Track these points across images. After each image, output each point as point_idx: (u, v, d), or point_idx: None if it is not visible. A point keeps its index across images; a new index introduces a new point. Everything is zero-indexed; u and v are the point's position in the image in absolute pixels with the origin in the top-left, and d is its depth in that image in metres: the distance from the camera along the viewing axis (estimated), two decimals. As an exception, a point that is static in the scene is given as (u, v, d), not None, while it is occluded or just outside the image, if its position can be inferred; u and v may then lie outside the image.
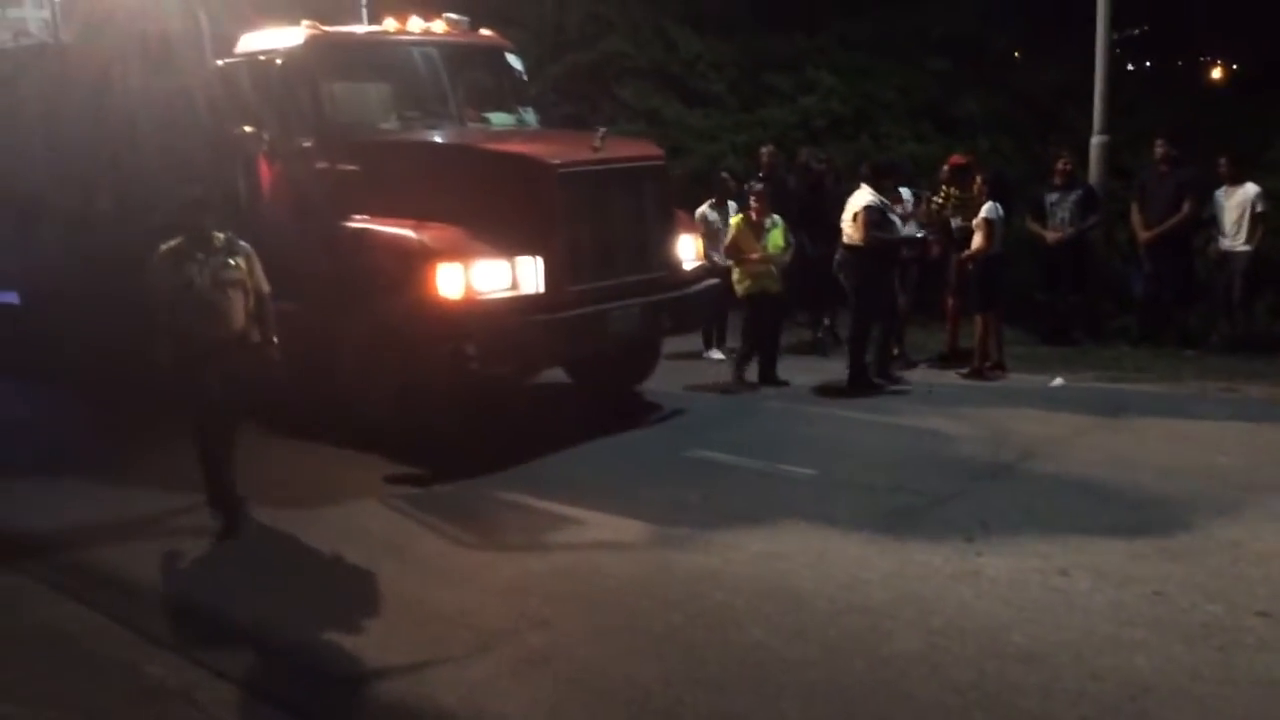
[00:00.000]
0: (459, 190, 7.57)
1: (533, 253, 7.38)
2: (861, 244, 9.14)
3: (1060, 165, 11.17)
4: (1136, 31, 20.51)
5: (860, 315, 9.35)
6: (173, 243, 6.70)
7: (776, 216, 9.66)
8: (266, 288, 6.84)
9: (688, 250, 8.47)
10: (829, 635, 4.89)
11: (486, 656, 4.82)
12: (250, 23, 9.15)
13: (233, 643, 5.15)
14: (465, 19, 9.09)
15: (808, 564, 5.65)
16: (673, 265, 8.24)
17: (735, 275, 9.45)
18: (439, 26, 8.83)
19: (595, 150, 7.61)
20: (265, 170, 8.54)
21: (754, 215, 9.50)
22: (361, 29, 8.66)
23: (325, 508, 6.84)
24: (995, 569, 5.50)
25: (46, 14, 11.91)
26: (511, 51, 9.22)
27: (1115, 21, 11.67)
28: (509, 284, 7.38)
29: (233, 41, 8.73)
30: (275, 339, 6.86)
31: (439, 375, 7.60)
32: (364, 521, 6.62)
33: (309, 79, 8.18)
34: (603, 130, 7.69)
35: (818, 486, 6.88)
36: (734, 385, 9.46)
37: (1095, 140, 11.48)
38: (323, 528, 6.51)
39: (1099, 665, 4.52)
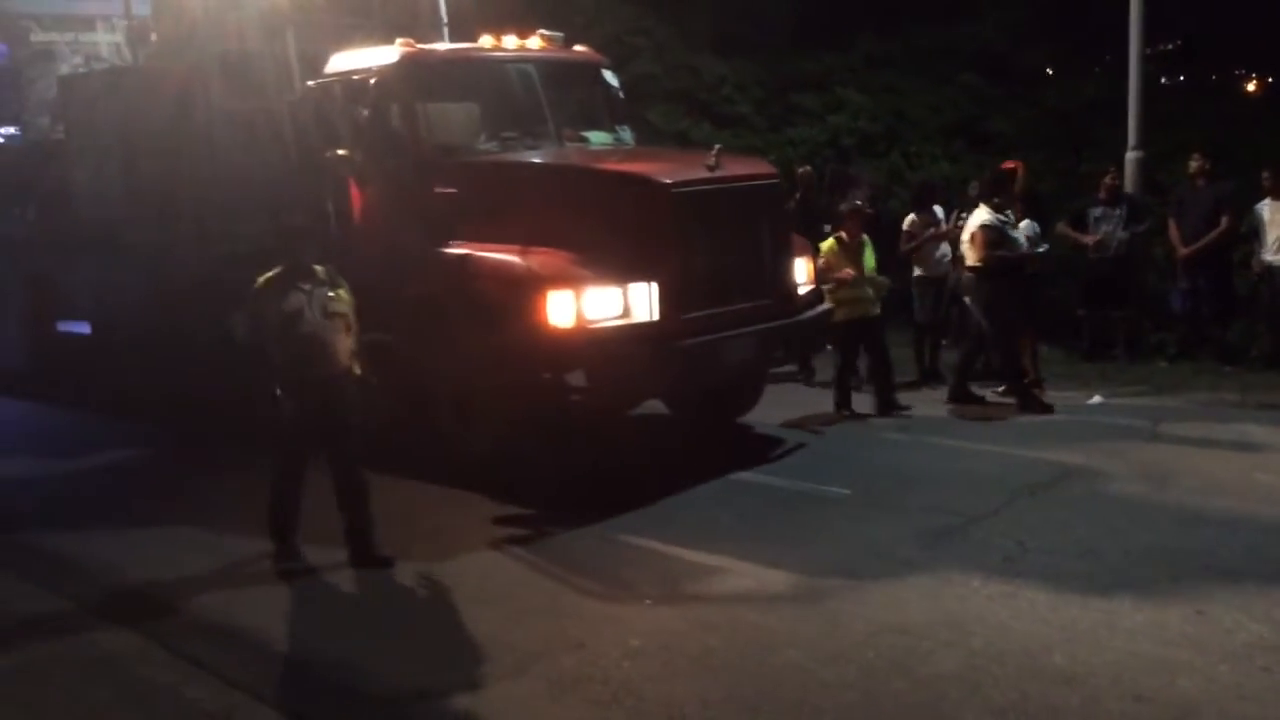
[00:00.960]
0: (566, 213, 7.16)
1: (646, 278, 6.93)
2: (982, 265, 8.64)
3: (1108, 180, 10.97)
4: (1170, 46, 20.48)
5: (996, 337, 8.90)
6: (273, 272, 6.33)
7: (866, 237, 9.20)
8: (357, 324, 6.46)
9: (801, 273, 7.99)
10: (867, 657, 4.77)
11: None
12: (341, 42, 8.89)
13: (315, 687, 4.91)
14: (560, 34, 8.70)
15: (846, 586, 5.54)
16: (787, 290, 7.77)
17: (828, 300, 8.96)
18: (535, 43, 8.45)
19: (710, 169, 7.16)
20: (355, 194, 8.19)
21: (847, 236, 9.02)
22: (457, 46, 8.28)
23: (424, 549, 6.40)
24: (1034, 589, 5.38)
25: (118, 38, 11.72)
26: (608, 68, 8.81)
27: (1148, 36, 11.60)
28: (620, 311, 6.94)
29: (321, 62, 8.42)
30: (373, 377, 6.49)
31: (545, 409, 7.20)
32: (466, 565, 6.19)
33: (404, 98, 7.82)
34: (717, 147, 7.24)
35: (858, 507, 6.73)
36: (837, 416, 8.97)
37: (1130, 155, 11.33)
38: (422, 571, 6.10)
39: (1142, 686, 4.41)
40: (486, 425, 7.32)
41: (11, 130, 13.47)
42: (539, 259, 6.96)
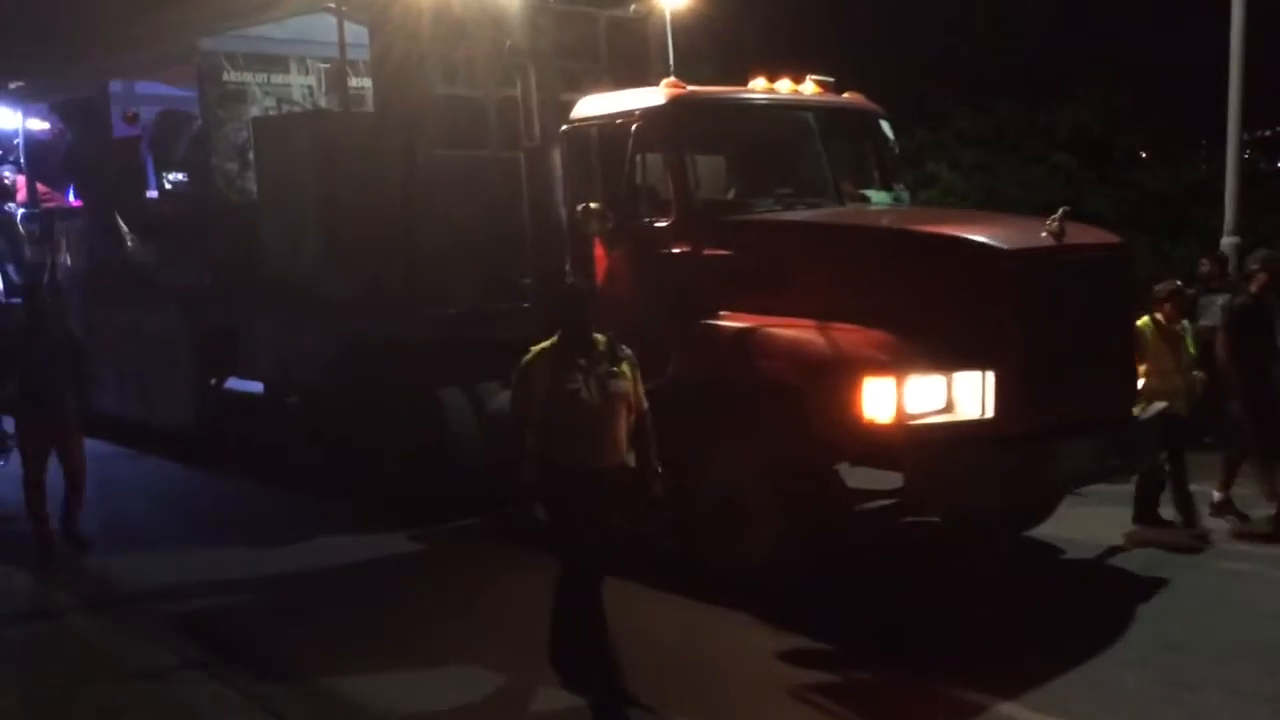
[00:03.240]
0: (876, 284, 6.02)
1: (978, 365, 5.71)
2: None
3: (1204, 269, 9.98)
4: (1269, 133, 20.23)
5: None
6: (547, 344, 5.28)
7: (1186, 322, 7.87)
8: (646, 404, 5.36)
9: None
10: None
11: None
12: (569, 87, 7.96)
13: None
14: (831, 79, 7.61)
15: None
16: (1127, 385, 6.47)
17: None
18: (808, 88, 7.37)
19: (1054, 235, 5.93)
20: (602, 254, 7.16)
21: (1165, 319, 7.67)
22: (729, 90, 7.24)
23: (701, 695, 5.20)
24: None
25: (312, 81, 11.02)
26: (884, 118, 7.68)
27: (1246, 122, 11.39)
28: (946, 405, 5.72)
29: (547, 108, 7.48)
30: (660, 468, 5.37)
31: (839, 518, 6.00)
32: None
33: (670, 146, 6.79)
34: (1062, 210, 6.00)
35: None
36: (1189, 537, 7.57)
37: (1226, 241, 10.99)
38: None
39: None
40: (762, 535, 6.14)
41: (179, 177, 12.98)
42: (849, 337, 5.79)
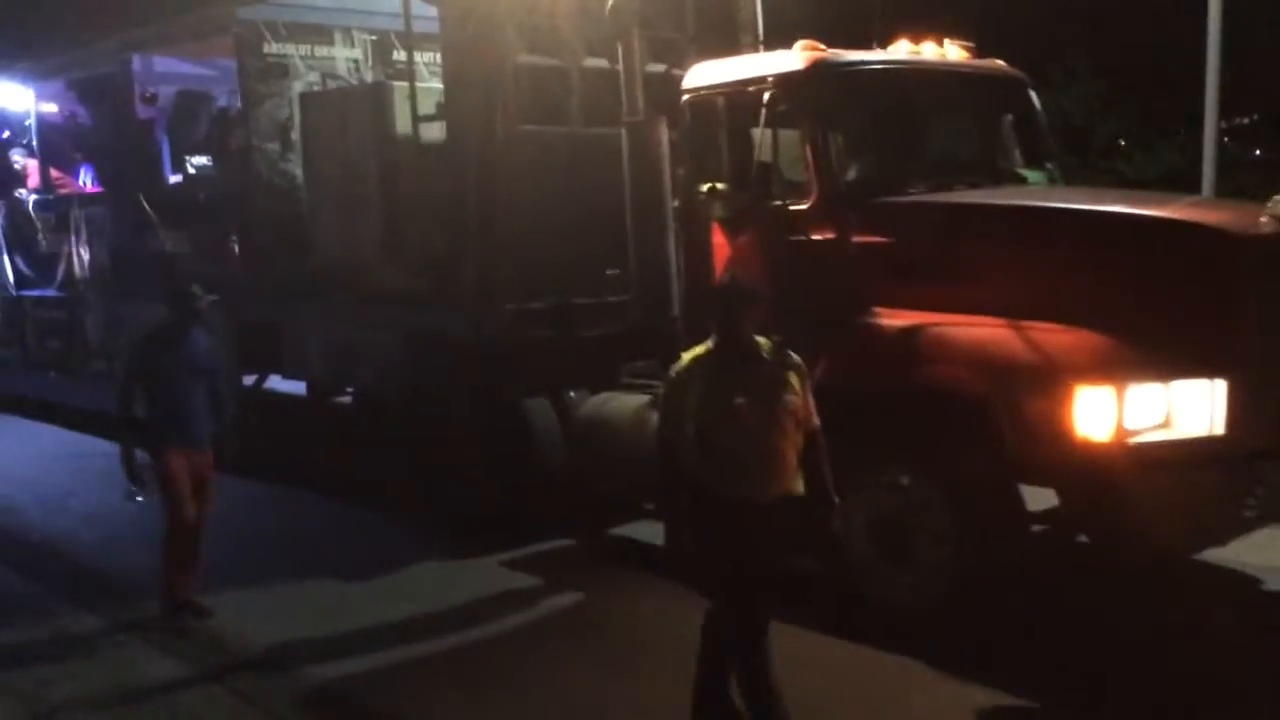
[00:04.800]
0: (1074, 276, 5.14)
1: (1206, 372, 4.84)
2: None
3: None
4: (1247, 120, 19.59)
5: None
6: (699, 351, 4.40)
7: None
8: (817, 420, 4.48)
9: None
10: None
11: None
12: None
13: None
14: (971, 44, 6.73)
15: None
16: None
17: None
18: (954, 53, 6.49)
19: (1277, 219, 5.06)
20: (722, 242, 6.28)
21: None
22: (876, 54, 6.34)
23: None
24: None
25: (358, 53, 10.09)
26: (1033, 87, 6.79)
27: (1225, 109, 11.20)
28: (1163, 419, 4.86)
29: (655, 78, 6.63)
30: (837, 497, 4.49)
31: (1025, 549, 5.14)
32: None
33: (811, 117, 5.89)
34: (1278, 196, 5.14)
35: None
36: None
37: None
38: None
39: None
40: (932, 564, 5.28)
41: (203, 161, 12.09)
42: (1051, 338, 4.91)
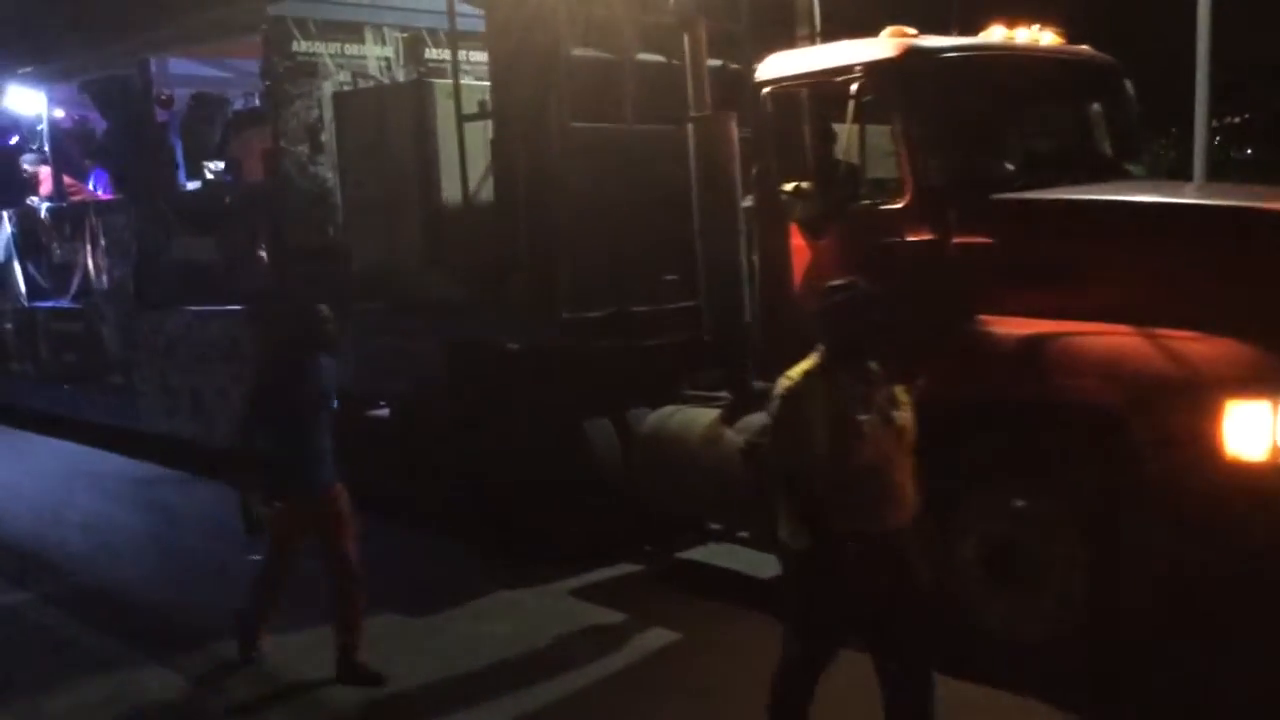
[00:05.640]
0: (1218, 281, 4.68)
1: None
2: None
3: None
4: (1237, 120, 19.49)
5: None
6: (809, 365, 3.96)
7: None
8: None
9: None
10: None
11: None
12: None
13: None
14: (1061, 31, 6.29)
15: None
16: None
17: None
18: (1049, 39, 6.05)
19: None
20: (801, 245, 5.84)
21: None
22: (971, 41, 5.90)
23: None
24: None
25: (389, 51, 9.66)
26: (1127, 76, 6.36)
27: (1215, 109, 11.44)
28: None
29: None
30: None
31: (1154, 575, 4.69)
32: None
33: (905, 110, 5.44)
34: None
35: None
36: None
37: None
38: None
39: None
40: (1054, 595, 4.84)
41: (218, 166, 11.67)
42: (1196, 348, 4.47)
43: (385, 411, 8.50)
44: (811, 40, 7.54)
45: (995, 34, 5.90)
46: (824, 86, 5.63)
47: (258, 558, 5.32)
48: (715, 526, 7.06)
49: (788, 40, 7.37)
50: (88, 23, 10.39)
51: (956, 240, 5.28)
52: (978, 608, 5.06)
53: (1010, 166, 5.64)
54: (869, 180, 5.57)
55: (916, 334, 5.17)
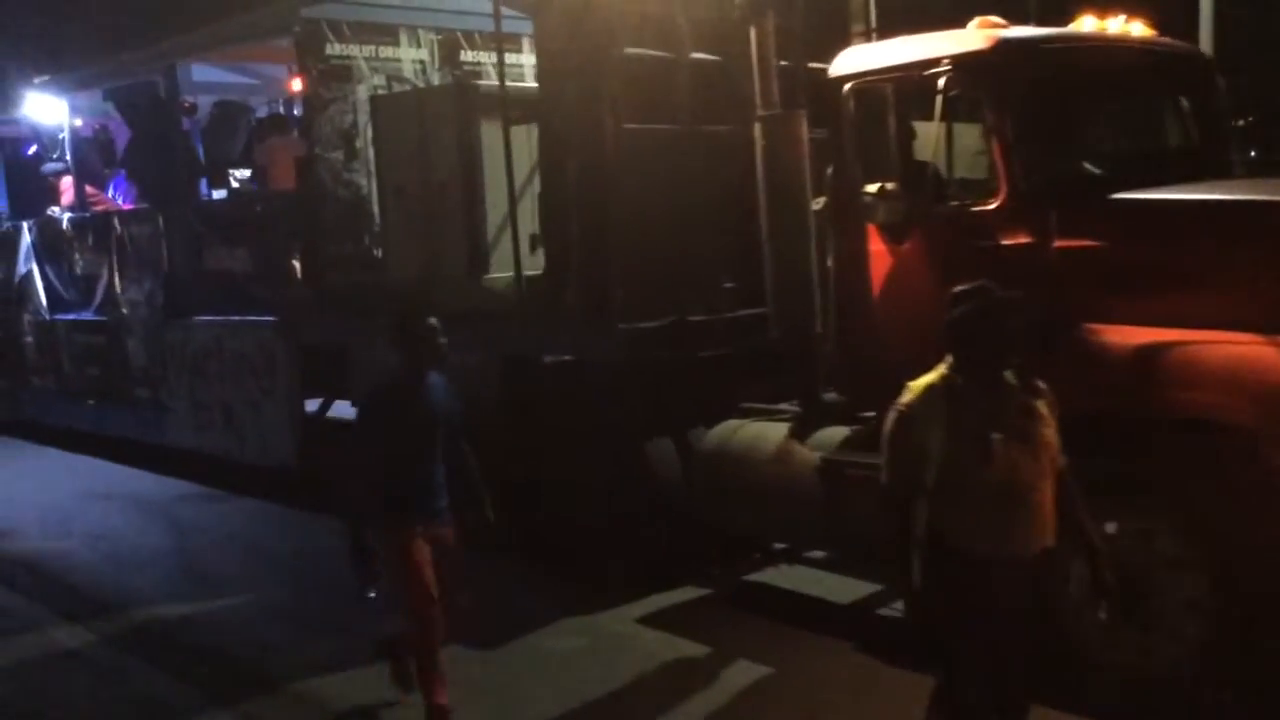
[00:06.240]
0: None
1: None
2: None
3: None
4: (1241, 122, 19.01)
5: None
6: (933, 378, 3.65)
7: None
8: (1064, 457, 3.72)
9: None
10: None
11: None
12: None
13: None
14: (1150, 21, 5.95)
15: None
16: None
17: None
18: (1139, 30, 5.71)
19: None
20: (880, 250, 5.51)
21: None
22: (1064, 32, 5.56)
23: None
24: None
25: (424, 54, 9.36)
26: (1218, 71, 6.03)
27: None
28: None
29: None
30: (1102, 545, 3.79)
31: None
32: None
33: (997, 106, 5.10)
34: None
35: None
36: None
37: None
38: None
39: None
40: (1179, 629, 4.49)
41: (243, 174, 11.44)
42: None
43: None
44: (867, 37, 7.22)
45: (1087, 24, 5.55)
46: (908, 81, 5.30)
47: (373, 594, 4.81)
48: (780, 546, 6.72)
49: (843, 37, 7.07)
50: (114, 28, 10.11)
51: (1058, 244, 4.94)
52: (1097, 640, 4.71)
53: (1112, 164, 5.29)
54: (955, 180, 5.24)
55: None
